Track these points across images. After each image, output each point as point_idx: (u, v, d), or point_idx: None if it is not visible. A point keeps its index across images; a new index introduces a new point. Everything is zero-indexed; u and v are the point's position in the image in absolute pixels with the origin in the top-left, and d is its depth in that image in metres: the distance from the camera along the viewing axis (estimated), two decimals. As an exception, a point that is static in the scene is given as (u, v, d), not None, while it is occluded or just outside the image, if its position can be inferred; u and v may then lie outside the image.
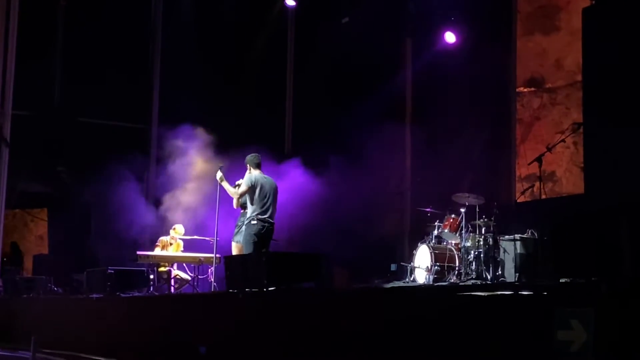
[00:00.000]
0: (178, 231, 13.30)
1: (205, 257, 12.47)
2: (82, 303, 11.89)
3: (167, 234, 13.32)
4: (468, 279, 11.08)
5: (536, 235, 10.83)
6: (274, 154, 14.46)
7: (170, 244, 13.22)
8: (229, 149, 14.03)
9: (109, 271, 11.43)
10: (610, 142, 9.46)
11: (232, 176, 11.17)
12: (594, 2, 10.62)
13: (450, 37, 14.57)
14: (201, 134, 14.58)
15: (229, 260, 9.82)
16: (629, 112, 9.27)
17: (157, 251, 12.98)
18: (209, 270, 12.41)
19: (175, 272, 13.10)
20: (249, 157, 10.95)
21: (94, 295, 11.51)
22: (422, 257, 11.95)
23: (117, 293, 11.22)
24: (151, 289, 11.89)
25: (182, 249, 13.30)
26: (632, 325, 5.20)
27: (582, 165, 11.31)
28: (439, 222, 12.19)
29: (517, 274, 10.68)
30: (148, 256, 12.51)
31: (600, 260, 7.42)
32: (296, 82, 17.46)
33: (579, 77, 11.99)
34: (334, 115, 15.71)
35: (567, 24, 12.99)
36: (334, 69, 15.91)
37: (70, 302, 12.47)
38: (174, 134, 14.52)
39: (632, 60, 9.36)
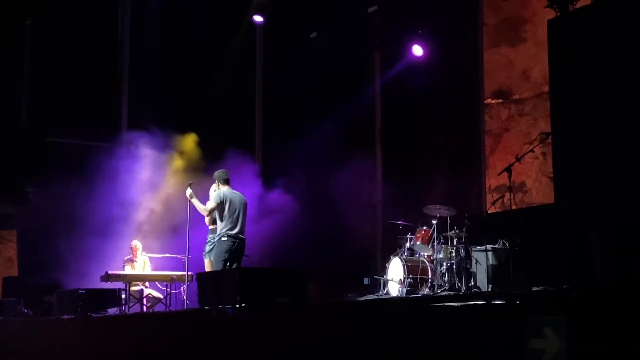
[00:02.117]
0: (136, 247, 13.26)
1: (177, 275, 12.41)
2: (54, 324, 11.75)
3: (129, 253, 13.31)
4: (441, 291, 11.10)
5: (507, 245, 10.88)
6: (244, 169, 14.45)
7: (135, 261, 13.17)
8: (199, 166, 14.05)
9: (80, 292, 11.33)
10: (578, 152, 9.54)
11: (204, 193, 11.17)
12: (559, 13, 10.72)
13: (417, 50, 14.66)
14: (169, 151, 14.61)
15: (201, 277, 9.78)
16: (596, 121, 9.36)
17: (128, 270, 12.90)
18: (182, 287, 12.34)
19: (147, 290, 13.03)
20: (217, 173, 10.95)
21: (65, 316, 11.40)
22: (395, 270, 11.97)
23: (89, 313, 11.12)
24: (123, 308, 11.80)
25: (149, 264, 13.25)
26: (604, 331, 5.23)
27: (552, 175, 11.39)
28: (410, 235, 12.22)
29: (489, 284, 10.72)
30: (119, 275, 12.44)
31: (571, 268, 7.49)
32: (265, 97, 17.46)
33: (546, 88, 12.09)
34: (304, 129, 15.73)
35: (532, 36, 13.11)
36: (303, 83, 15.93)
37: (42, 324, 12.33)
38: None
39: (597, 70, 9.46)
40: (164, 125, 14.90)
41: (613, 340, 5.20)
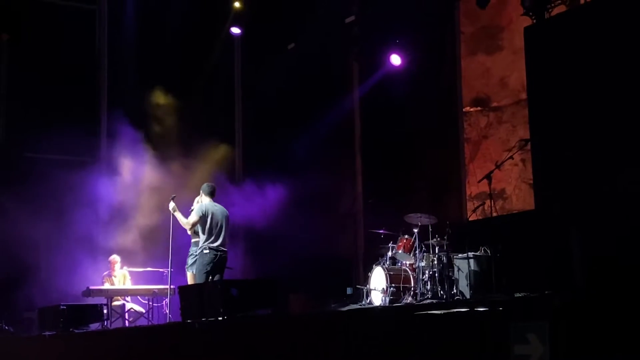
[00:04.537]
0: (114, 261, 13.22)
1: (159, 289, 12.37)
2: (35, 341, 11.67)
3: (108, 268, 13.26)
4: (424, 299, 11.12)
5: (489, 252, 10.92)
6: (225, 180, 14.44)
7: (113, 277, 13.11)
8: (179, 178, 14.01)
9: (62, 307, 11.27)
10: (557, 158, 9.60)
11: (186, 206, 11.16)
12: (535, 21, 10.80)
13: (396, 60, 14.69)
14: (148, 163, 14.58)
15: (183, 291, 9.75)
16: (574, 127, 9.43)
17: (107, 286, 12.85)
18: (164, 301, 12.30)
19: (129, 305, 12.97)
20: (203, 185, 11.03)
21: (47, 333, 11.32)
22: (378, 279, 11.97)
23: (71, 329, 11.05)
24: (105, 324, 11.74)
25: (129, 278, 13.20)
26: (586, 336, 5.26)
27: (531, 181, 11.45)
28: (392, 244, 12.22)
29: (471, 291, 10.75)
30: (101, 290, 12.39)
31: (552, 274, 7.52)
32: (245, 108, 17.44)
33: (524, 95, 12.14)
34: (284, 140, 15.74)
35: (509, 43, 13.18)
36: (282, 94, 15.95)
37: (23, 341, 12.23)
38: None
39: (574, 76, 9.54)
40: (143, 139, 14.88)
41: (596, 343, 5.23)
